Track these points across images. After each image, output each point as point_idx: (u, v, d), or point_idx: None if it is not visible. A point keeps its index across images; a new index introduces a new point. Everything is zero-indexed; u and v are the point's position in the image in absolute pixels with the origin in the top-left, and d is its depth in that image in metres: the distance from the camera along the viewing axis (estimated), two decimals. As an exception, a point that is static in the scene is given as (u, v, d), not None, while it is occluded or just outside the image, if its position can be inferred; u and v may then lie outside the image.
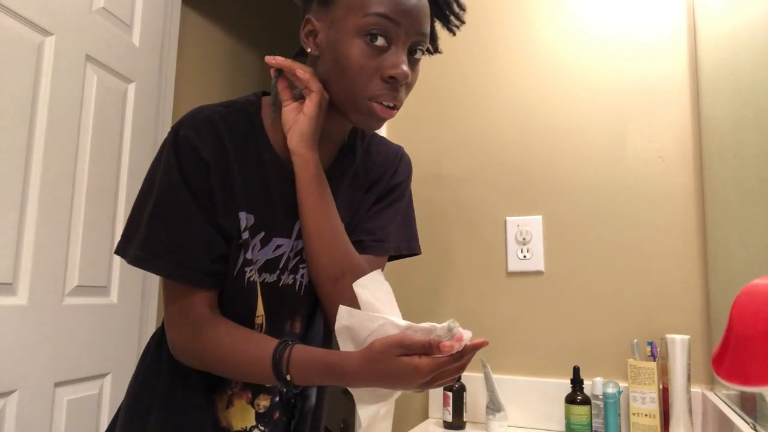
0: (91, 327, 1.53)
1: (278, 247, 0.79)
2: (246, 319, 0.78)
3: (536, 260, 1.46)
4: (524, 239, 1.47)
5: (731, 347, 0.55)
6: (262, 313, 0.79)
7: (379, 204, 0.89)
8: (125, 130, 1.67)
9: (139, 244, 0.72)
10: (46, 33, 1.39)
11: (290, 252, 0.81)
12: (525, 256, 1.47)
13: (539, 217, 1.47)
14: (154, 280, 1.92)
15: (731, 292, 0.77)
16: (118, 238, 1.63)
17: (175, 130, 0.74)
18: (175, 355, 0.75)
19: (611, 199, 1.42)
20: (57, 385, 1.41)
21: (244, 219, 0.76)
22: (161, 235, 0.72)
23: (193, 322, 0.73)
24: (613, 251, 1.39)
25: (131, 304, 1.69)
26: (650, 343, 1.26)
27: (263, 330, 0.80)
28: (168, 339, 0.76)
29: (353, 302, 0.69)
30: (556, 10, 1.54)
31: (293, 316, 0.85)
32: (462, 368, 0.64)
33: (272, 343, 0.70)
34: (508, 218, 1.51)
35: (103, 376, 1.59)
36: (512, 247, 1.49)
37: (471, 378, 1.43)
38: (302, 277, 0.83)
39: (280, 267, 0.80)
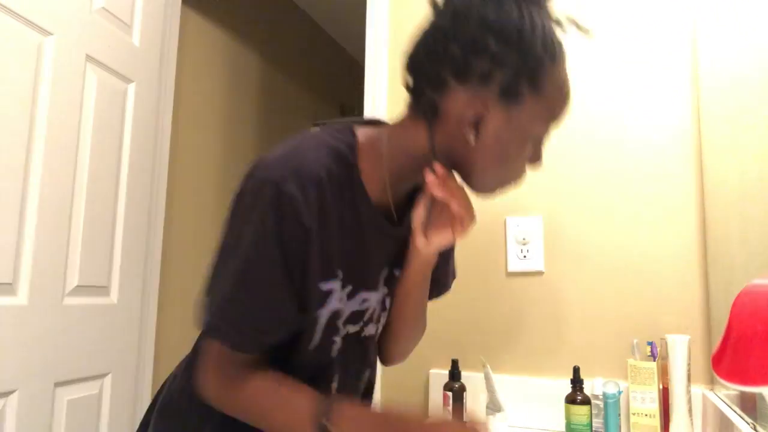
0: (91, 327, 1.53)
1: (364, 300, 0.77)
2: (320, 383, 0.75)
3: (536, 260, 1.46)
4: (524, 239, 1.47)
5: (731, 347, 0.55)
6: (336, 379, 0.78)
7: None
8: (125, 130, 1.67)
9: (218, 312, 0.67)
10: (46, 33, 1.39)
11: (376, 303, 0.79)
12: (525, 256, 1.47)
13: (539, 217, 1.47)
14: (154, 280, 1.92)
15: (731, 292, 0.77)
16: (118, 238, 1.64)
17: (277, 184, 0.64)
18: (206, 401, 0.71)
19: (611, 199, 1.42)
20: (57, 385, 1.42)
21: (338, 282, 0.72)
22: (242, 306, 0.66)
23: (233, 377, 0.69)
24: (613, 251, 1.39)
25: (131, 304, 1.70)
26: (650, 343, 1.26)
27: (336, 388, 0.78)
28: (200, 385, 0.71)
29: None
30: (557, 10, 1.53)
31: (363, 370, 0.84)
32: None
33: (314, 402, 0.67)
34: (508, 218, 1.51)
35: (103, 376, 1.59)
36: (512, 247, 1.49)
37: (471, 378, 1.43)
38: (381, 327, 0.84)
39: (365, 319, 0.79)
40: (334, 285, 0.71)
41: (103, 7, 1.57)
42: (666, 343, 1.20)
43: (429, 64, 0.68)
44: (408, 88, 0.73)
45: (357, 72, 3.68)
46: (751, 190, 0.95)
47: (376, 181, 0.73)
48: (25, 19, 1.33)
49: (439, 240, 0.77)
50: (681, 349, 1.17)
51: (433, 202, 0.77)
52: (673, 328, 1.31)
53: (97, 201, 1.55)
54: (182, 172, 2.18)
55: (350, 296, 0.74)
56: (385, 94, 1.68)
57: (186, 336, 2.01)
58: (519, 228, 1.49)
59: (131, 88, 1.69)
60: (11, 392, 1.29)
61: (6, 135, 1.28)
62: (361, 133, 0.75)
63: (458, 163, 0.72)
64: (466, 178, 0.74)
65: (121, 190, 1.65)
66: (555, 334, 1.42)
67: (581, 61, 1.49)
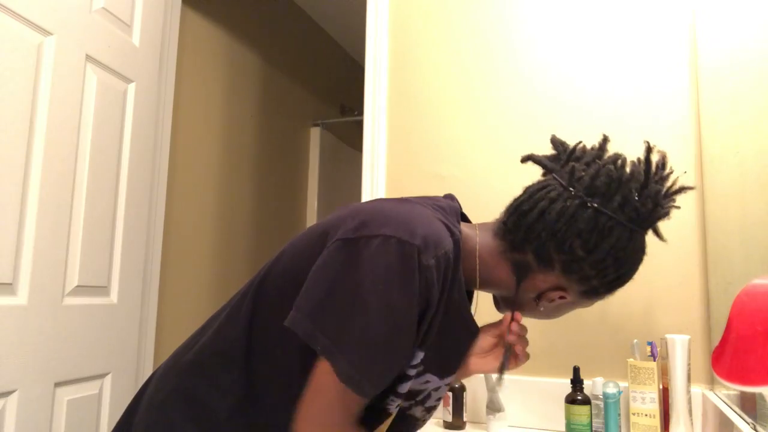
0: (91, 327, 1.53)
1: (427, 382, 0.79)
2: None
3: (536, 260, 1.46)
4: (524, 239, 1.47)
5: (731, 347, 0.55)
6: None
7: None
8: (125, 130, 1.67)
9: (359, 366, 0.66)
10: (46, 33, 1.39)
11: (433, 389, 0.81)
12: (525, 256, 1.47)
13: (539, 217, 1.47)
14: (154, 280, 1.92)
15: (731, 292, 0.77)
16: (118, 238, 1.64)
17: (418, 253, 0.67)
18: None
19: (611, 199, 1.41)
20: (57, 385, 1.42)
21: (420, 356, 0.74)
22: (383, 366, 0.68)
23: (344, 422, 0.69)
24: (613, 251, 1.39)
25: (131, 304, 1.69)
26: (650, 343, 1.26)
27: None
28: (305, 418, 0.69)
29: None
30: (556, 12, 1.54)
31: None
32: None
33: None
34: (508, 218, 1.51)
35: (103, 376, 1.59)
36: (512, 247, 1.49)
37: (471, 378, 1.43)
38: (427, 414, 0.85)
39: (418, 399, 0.81)
40: (419, 356, 0.74)
41: (103, 7, 1.57)
42: (666, 343, 1.20)
43: (545, 240, 0.74)
44: (508, 228, 0.77)
45: (357, 72, 3.68)
46: (751, 190, 0.95)
47: (465, 275, 0.78)
48: (25, 19, 1.33)
49: (491, 367, 0.84)
50: (681, 349, 1.17)
51: (498, 336, 0.85)
52: (673, 328, 1.31)
53: (97, 201, 1.55)
54: (182, 172, 2.18)
55: (418, 375, 0.76)
56: (385, 94, 1.68)
57: (186, 336, 2.01)
58: (519, 228, 1.49)
59: (131, 88, 1.69)
60: (11, 392, 1.29)
61: (6, 135, 1.28)
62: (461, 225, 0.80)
63: (517, 304, 0.81)
64: (510, 305, 0.83)
65: (121, 190, 1.65)
66: (555, 334, 1.42)
67: (579, 60, 1.49)
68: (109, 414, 1.59)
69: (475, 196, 1.56)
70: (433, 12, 1.68)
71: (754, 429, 0.88)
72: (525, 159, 0.86)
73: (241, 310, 0.76)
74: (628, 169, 0.74)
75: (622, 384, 1.27)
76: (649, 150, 0.74)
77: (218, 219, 2.41)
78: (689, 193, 1.36)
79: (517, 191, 1.57)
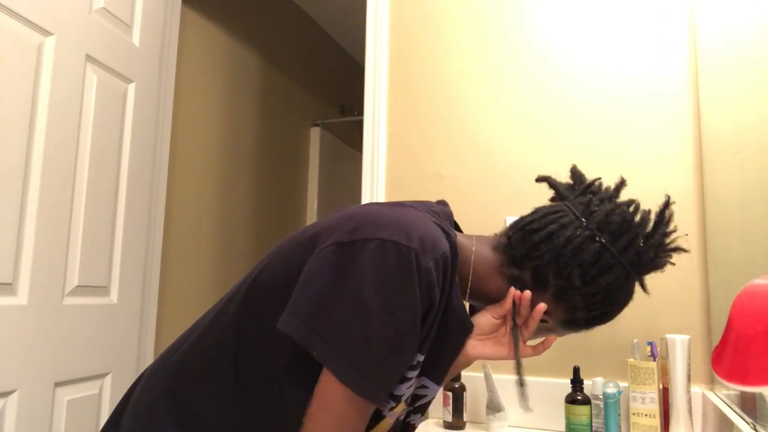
0: (91, 327, 1.53)
1: (425, 387, 0.79)
2: None
3: (536, 260, 1.46)
4: (524, 239, 1.47)
5: (731, 347, 0.55)
6: None
7: None
8: (125, 130, 1.67)
9: (362, 370, 0.65)
10: (46, 33, 1.39)
11: (430, 395, 0.81)
12: (525, 256, 1.47)
13: (539, 217, 1.47)
14: (154, 280, 1.92)
15: (731, 292, 0.77)
16: (118, 238, 1.64)
17: (416, 255, 0.67)
18: None
19: (611, 199, 1.41)
20: (57, 385, 1.42)
21: (419, 358, 0.74)
22: (383, 366, 0.66)
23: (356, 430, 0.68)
24: (613, 251, 1.39)
25: (131, 304, 1.69)
26: (650, 343, 1.26)
27: None
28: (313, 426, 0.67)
29: None
30: (557, 13, 1.54)
31: None
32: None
33: None
34: (508, 218, 1.51)
35: (103, 376, 1.59)
36: (512, 247, 1.49)
37: (471, 378, 1.43)
38: (416, 420, 0.84)
39: (416, 405, 0.80)
40: (420, 359, 0.74)
41: (103, 7, 1.57)
42: (666, 343, 1.20)
43: (547, 262, 0.75)
44: (511, 243, 0.79)
45: (357, 72, 3.68)
46: (751, 191, 0.95)
47: (460, 281, 0.78)
48: (25, 19, 1.33)
49: (490, 351, 0.81)
50: (681, 349, 1.17)
51: (501, 316, 0.81)
52: (673, 328, 1.31)
53: (97, 201, 1.55)
54: (182, 172, 2.18)
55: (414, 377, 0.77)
56: (385, 94, 1.68)
57: (186, 336, 2.01)
58: (519, 228, 1.49)
59: (131, 88, 1.69)
60: (11, 392, 1.29)
61: (6, 135, 1.28)
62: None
63: (488, 289, 0.80)
64: (482, 297, 0.82)
65: (121, 190, 1.65)
66: (555, 334, 1.42)
67: (580, 61, 1.49)
68: (109, 414, 1.60)
69: (474, 196, 1.56)
70: (433, 12, 1.68)
71: (754, 429, 0.88)
72: (541, 180, 0.86)
73: (229, 313, 0.75)
74: (639, 216, 0.76)
75: (622, 384, 1.27)
76: (667, 204, 0.76)
77: (218, 219, 2.41)
78: (689, 192, 1.37)
79: (515, 190, 1.57)
